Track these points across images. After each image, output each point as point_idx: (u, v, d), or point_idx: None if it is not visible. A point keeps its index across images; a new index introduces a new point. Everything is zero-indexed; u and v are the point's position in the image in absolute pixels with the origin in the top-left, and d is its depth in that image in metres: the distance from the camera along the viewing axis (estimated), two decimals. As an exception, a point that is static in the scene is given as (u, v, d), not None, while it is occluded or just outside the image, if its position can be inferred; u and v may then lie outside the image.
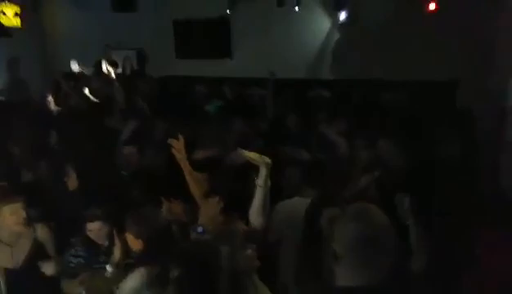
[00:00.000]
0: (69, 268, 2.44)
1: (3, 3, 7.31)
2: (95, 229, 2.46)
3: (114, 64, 7.50)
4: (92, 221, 2.46)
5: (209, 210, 2.26)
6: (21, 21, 7.52)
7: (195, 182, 2.49)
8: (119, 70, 7.61)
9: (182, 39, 7.45)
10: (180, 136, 2.51)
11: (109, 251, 2.42)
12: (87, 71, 7.21)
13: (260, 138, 4.23)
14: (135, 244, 2.26)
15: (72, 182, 2.98)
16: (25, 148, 3.76)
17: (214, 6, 6.95)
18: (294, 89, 6.08)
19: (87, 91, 6.06)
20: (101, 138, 4.05)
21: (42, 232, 2.52)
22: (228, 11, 6.85)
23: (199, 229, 2.06)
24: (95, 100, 6.08)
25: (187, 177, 2.53)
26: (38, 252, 2.46)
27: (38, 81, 7.42)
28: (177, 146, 2.47)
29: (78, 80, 6.82)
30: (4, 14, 7.41)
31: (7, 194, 2.39)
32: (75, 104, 5.77)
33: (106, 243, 2.50)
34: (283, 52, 6.58)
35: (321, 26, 6.56)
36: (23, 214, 2.36)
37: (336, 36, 6.46)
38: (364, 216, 1.45)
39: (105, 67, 7.09)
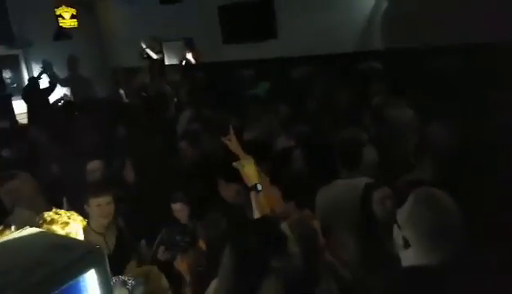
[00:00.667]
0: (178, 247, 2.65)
1: (61, 7, 7.82)
2: (177, 209, 2.77)
3: (160, 53, 7.82)
4: (174, 202, 2.78)
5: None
6: (78, 22, 8.03)
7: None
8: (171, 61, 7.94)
9: (228, 24, 7.51)
10: (230, 127, 2.53)
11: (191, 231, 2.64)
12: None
13: (308, 120, 4.18)
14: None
15: (129, 175, 3.21)
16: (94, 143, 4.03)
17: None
18: (343, 64, 5.94)
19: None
20: (163, 130, 4.23)
21: (121, 222, 2.81)
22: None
23: (259, 187, 2.02)
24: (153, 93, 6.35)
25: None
26: (122, 241, 2.73)
27: (96, 77, 7.87)
28: (228, 137, 2.48)
29: (134, 75, 7.18)
30: (62, 17, 7.94)
31: (97, 188, 2.65)
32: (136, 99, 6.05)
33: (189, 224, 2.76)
34: (329, 26, 6.40)
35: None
36: (108, 208, 2.61)
37: (384, 4, 6.17)
38: (435, 202, 1.45)
39: (152, 54, 7.41)
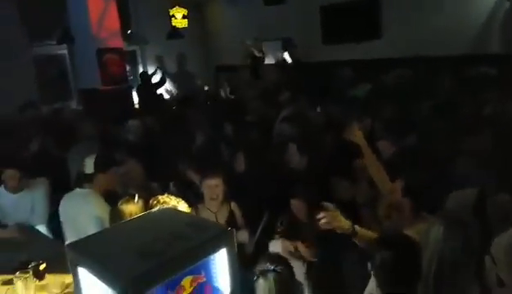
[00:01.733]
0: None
1: (175, 8, 8.46)
2: (295, 205, 2.80)
3: (261, 53, 8.04)
4: (293, 198, 2.80)
5: (395, 195, 2.17)
6: (188, 22, 8.62)
7: (377, 167, 2.42)
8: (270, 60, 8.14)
9: (329, 25, 7.47)
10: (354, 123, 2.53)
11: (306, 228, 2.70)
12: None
13: (413, 121, 4.00)
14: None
15: (240, 165, 3.39)
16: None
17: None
18: (453, 68, 5.54)
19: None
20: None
21: (233, 206, 3.00)
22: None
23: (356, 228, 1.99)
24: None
25: (368, 161, 2.46)
26: (231, 221, 2.91)
27: (203, 74, 8.38)
28: (357, 133, 2.46)
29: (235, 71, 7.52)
30: (175, 17, 8.60)
31: (209, 171, 2.90)
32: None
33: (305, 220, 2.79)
34: (437, 28, 6.02)
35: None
36: (220, 190, 2.85)
37: (505, 4, 5.62)
38: None
39: (256, 53, 7.65)
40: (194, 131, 4.23)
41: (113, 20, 6.26)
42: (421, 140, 3.27)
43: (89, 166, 2.74)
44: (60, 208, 2.83)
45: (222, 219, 2.89)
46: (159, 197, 2.40)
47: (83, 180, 2.75)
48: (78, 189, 2.79)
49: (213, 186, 2.85)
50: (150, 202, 2.37)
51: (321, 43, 7.69)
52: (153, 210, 1.51)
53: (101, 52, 6.03)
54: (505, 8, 5.62)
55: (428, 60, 5.95)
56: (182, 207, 2.36)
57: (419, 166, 2.71)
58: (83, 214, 2.65)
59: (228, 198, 2.94)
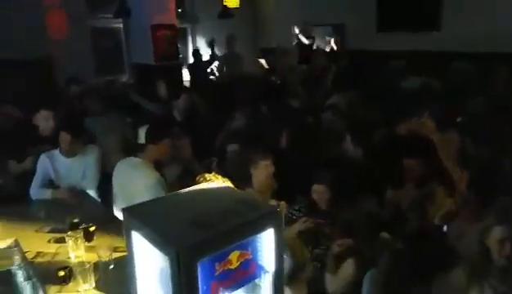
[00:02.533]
0: (289, 219, 2.80)
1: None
2: (319, 191, 2.75)
3: (311, 38, 7.89)
4: (318, 183, 2.75)
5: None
6: (239, 1, 8.59)
7: (450, 156, 2.50)
8: (320, 45, 7.99)
9: (386, 12, 7.19)
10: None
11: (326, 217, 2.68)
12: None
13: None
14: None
15: (283, 142, 3.40)
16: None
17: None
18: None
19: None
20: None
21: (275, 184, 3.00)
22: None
23: None
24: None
25: (443, 151, 2.55)
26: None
27: (249, 56, 8.35)
28: (428, 124, 2.46)
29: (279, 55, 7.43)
30: (227, -3, 8.58)
31: (261, 153, 2.93)
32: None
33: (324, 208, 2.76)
34: (501, 25, 5.64)
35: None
36: (272, 169, 2.87)
37: None
38: None
39: (303, 39, 7.54)
40: (239, 111, 4.25)
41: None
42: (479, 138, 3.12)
43: (142, 136, 2.84)
44: (113, 174, 2.97)
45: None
46: (206, 175, 2.45)
47: (136, 149, 2.87)
48: (131, 158, 2.92)
49: (268, 166, 2.86)
50: (197, 178, 2.42)
51: (376, 31, 7.43)
52: (205, 184, 1.53)
53: (155, 28, 6.15)
54: None
55: (487, 56, 5.62)
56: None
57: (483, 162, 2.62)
58: (131, 182, 2.78)
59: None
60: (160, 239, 1.17)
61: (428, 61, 6.24)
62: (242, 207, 1.31)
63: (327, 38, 7.94)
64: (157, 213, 1.30)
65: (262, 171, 2.85)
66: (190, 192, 1.46)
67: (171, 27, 6.35)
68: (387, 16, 7.18)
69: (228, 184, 2.40)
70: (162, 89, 4.96)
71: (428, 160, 2.68)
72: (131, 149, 2.98)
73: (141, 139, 2.91)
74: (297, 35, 7.83)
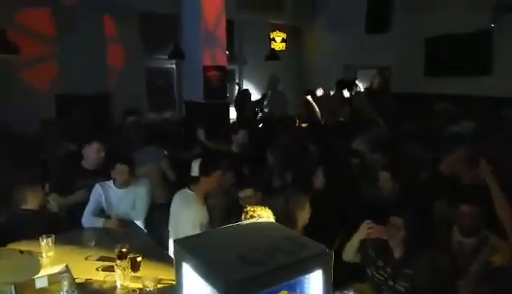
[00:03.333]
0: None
1: (275, 32, 8.80)
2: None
3: (352, 84, 7.94)
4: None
5: None
6: (286, 45, 8.89)
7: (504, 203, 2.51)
8: (360, 89, 8.00)
9: (434, 56, 7.14)
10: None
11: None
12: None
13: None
14: None
15: (318, 182, 3.39)
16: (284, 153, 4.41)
17: (473, 19, 6.40)
18: None
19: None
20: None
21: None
22: (493, 25, 6.16)
23: None
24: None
25: (496, 195, 2.53)
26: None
27: (295, 97, 8.51)
28: (486, 170, 2.47)
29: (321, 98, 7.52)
30: (274, 40, 8.92)
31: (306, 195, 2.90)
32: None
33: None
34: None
35: None
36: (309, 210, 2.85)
37: None
38: None
39: (345, 92, 7.59)
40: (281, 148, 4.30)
41: (221, 40, 6.70)
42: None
43: (195, 169, 2.97)
44: (171, 205, 3.20)
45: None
46: (256, 207, 2.46)
47: (190, 181, 3.01)
48: (186, 190, 3.11)
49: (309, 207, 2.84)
50: (247, 209, 2.44)
51: (423, 74, 7.36)
52: (252, 220, 1.56)
53: (206, 69, 6.47)
54: None
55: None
56: (269, 214, 2.40)
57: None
58: (182, 214, 2.90)
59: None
60: (210, 272, 1.19)
61: (478, 106, 6.07)
62: (291, 245, 1.31)
63: (373, 81, 7.97)
64: (207, 246, 1.34)
65: (307, 213, 2.82)
66: (238, 227, 1.49)
67: (221, 68, 6.66)
68: (434, 61, 7.11)
69: (269, 214, 2.42)
70: (201, 135, 5.11)
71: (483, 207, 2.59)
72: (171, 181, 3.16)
73: (194, 171, 3.07)
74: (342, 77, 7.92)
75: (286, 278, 1.22)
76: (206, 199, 3.12)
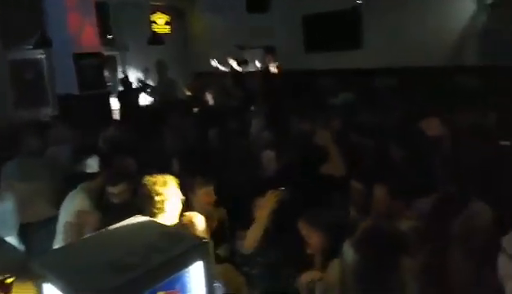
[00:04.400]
0: None
1: (156, 14, 8.40)
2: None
3: (244, 63, 8.02)
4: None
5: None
6: (170, 28, 8.57)
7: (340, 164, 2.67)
8: (251, 68, 8.12)
9: (312, 33, 7.53)
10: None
11: None
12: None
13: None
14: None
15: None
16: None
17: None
18: (433, 78, 5.65)
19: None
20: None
21: (223, 214, 2.91)
22: (359, 1, 6.68)
23: None
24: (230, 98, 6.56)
25: (334, 159, 2.66)
26: (218, 230, 2.80)
27: (182, 81, 8.29)
28: (324, 135, 2.55)
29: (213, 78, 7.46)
30: (156, 23, 8.53)
31: (203, 180, 2.78)
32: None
33: None
34: (418, 39, 6.13)
35: (463, 8, 5.94)
36: (214, 196, 2.76)
37: (482, 18, 5.76)
38: None
39: (235, 65, 7.64)
40: (173, 137, 4.14)
41: (92, 25, 6.12)
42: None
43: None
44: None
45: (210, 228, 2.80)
46: (147, 178, 2.29)
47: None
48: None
49: (209, 192, 2.75)
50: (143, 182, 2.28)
51: (304, 52, 7.73)
52: (126, 220, 1.43)
53: (79, 57, 5.88)
54: (483, 20, 5.76)
55: (407, 70, 6.05)
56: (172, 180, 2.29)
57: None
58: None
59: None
60: (77, 288, 1.06)
61: (354, 78, 6.60)
62: (166, 241, 1.23)
63: (261, 60, 8.11)
64: (71, 260, 1.19)
65: (203, 198, 2.72)
66: (109, 231, 1.35)
67: (96, 55, 6.10)
68: (313, 37, 7.50)
69: (171, 179, 2.30)
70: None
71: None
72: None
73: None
74: (228, 61, 7.91)
75: (163, 278, 1.14)
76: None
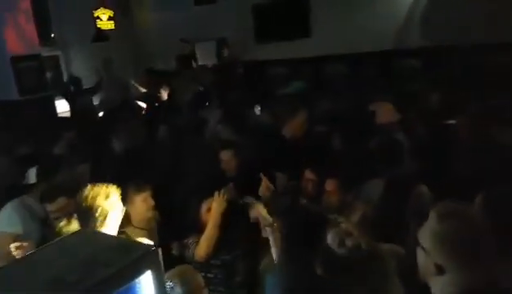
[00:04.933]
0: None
1: (99, 9, 8.03)
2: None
3: (192, 57, 7.88)
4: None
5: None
6: (115, 23, 8.22)
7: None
8: (204, 61, 8.00)
9: (261, 23, 7.50)
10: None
11: None
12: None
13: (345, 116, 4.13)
14: None
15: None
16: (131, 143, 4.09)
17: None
18: (380, 61, 5.82)
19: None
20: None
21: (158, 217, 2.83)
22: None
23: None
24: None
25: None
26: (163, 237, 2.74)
27: (132, 79, 8.02)
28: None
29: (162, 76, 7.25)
30: (100, 19, 8.16)
31: (139, 185, 2.66)
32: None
33: None
34: (365, 25, 6.28)
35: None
36: (151, 201, 2.65)
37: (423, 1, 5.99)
38: (462, 218, 1.37)
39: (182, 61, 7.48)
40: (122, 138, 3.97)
41: (29, 24, 5.74)
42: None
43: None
44: None
45: (155, 235, 2.71)
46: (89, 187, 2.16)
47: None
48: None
49: (147, 198, 2.63)
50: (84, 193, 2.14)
51: (255, 42, 7.70)
52: (71, 233, 1.35)
53: (16, 60, 5.50)
54: (424, 3, 5.98)
55: (356, 56, 6.19)
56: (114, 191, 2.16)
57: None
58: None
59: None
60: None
61: (305, 67, 6.67)
62: (113, 254, 1.17)
63: (214, 53, 8.00)
64: (8, 281, 1.10)
65: (143, 204, 2.62)
66: (50, 247, 1.27)
67: (34, 57, 5.72)
68: (262, 28, 7.49)
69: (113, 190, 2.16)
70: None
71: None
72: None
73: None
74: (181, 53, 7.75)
75: (110, 291, 1.09)
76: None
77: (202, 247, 2.42)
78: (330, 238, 1.56)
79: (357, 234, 1.57)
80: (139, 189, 2.62)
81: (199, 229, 2.53)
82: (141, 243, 1.22)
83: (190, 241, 2.53)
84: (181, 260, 2.49)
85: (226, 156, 3.18)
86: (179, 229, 2.71)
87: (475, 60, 4.88)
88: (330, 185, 2.44)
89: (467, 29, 5.12)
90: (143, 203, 2.62)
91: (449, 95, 3.88)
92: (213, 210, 2.46)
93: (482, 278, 1.28)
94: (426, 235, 1.36)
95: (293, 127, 3.52)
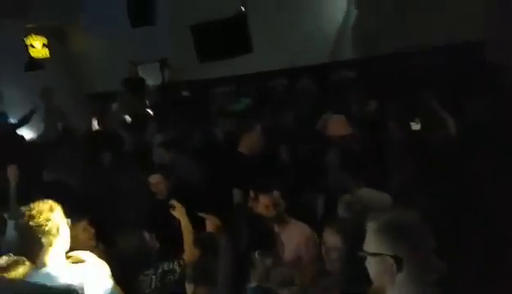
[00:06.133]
0: None
1: (30, 36, 7.66)
2: None
3: (139, 81, 7.73)
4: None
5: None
6: (50, 51, 7.88)
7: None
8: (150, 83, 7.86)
9: (202, 43, 7.50)
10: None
11: None
12: None
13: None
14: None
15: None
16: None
17: (228, 5, 6.97)
18: (318, 74, 6.02)
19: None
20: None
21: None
22: (242, 8, 6.83)
23: None
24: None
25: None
26: None
27: (73, 107, 7.71)
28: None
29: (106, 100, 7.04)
30: (33, 46, 7.78)
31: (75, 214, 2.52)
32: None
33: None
34: (301, 39, 6.49)
35: (338, 5, 6.44)
36: (92, 230, 2.60)
37: (353, 14, 6.30)
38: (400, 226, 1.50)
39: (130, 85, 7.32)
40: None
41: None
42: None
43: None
44: None
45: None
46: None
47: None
48: None
49: (86, 227, 2.57)
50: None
51: (199, 61, 7.68)
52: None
53: None
54: (354, 16, 6.29)
55: (296, 70, 6.37)
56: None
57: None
58: None
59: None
60: None
61: (250, 82, 6.75)
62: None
63: (158, 74, 7.88)
64: None
65: (83, 235, 2.57)
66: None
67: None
68: (203, 47, 7.49)
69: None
70: None
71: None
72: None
73: None
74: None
75: None
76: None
77: (186, 251, 2.64)
78: None
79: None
80: (77, 219, 2.53)
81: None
82: (58, 288, 1.14)
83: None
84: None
85: (154, 179, 3.24)
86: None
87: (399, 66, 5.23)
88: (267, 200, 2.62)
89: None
90: (83, 232, 2.55)
91: (383, 101, 4.08)
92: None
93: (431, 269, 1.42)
94: (371, 240, 1.44)
95: (249, 143, 3.56)
